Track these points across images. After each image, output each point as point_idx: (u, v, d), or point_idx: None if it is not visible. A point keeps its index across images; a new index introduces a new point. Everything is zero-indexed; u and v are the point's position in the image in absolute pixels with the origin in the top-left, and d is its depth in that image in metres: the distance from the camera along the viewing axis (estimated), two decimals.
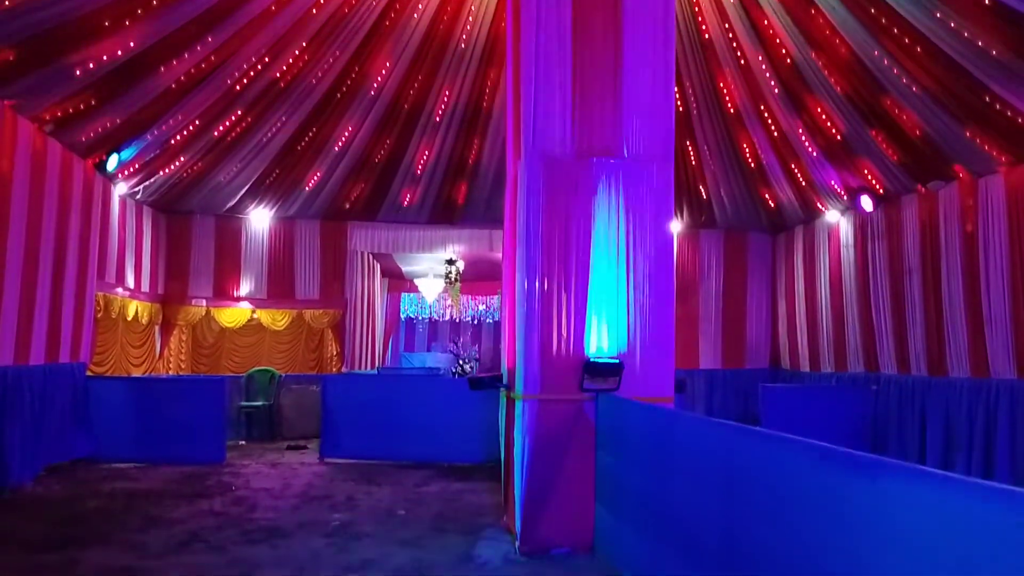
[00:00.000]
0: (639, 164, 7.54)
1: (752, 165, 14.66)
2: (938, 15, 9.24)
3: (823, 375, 15.08)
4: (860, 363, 14.02)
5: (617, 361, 7.10)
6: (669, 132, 7.73)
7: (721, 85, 13.15)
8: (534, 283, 7.30)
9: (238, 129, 13.05)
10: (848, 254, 14.47)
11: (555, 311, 7.30)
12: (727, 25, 11.92)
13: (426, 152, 14.96)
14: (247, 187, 15.12)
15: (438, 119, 14.17)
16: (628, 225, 7.47)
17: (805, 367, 15.80)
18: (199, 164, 13.78)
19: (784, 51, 11.72)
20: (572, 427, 7.09)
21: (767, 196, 15.58)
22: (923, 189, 12.34)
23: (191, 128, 12.38)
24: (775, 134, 13.52)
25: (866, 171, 13.02)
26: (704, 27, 12.11)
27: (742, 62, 12.42)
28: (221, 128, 12.80)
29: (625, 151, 7.57)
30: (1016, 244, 10.80)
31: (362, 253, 17.05)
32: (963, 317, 11.56)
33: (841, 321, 14.60)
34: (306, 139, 14.02)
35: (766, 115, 13.25)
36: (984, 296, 11.21)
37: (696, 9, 11.82)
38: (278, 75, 12.08)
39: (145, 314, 14.89)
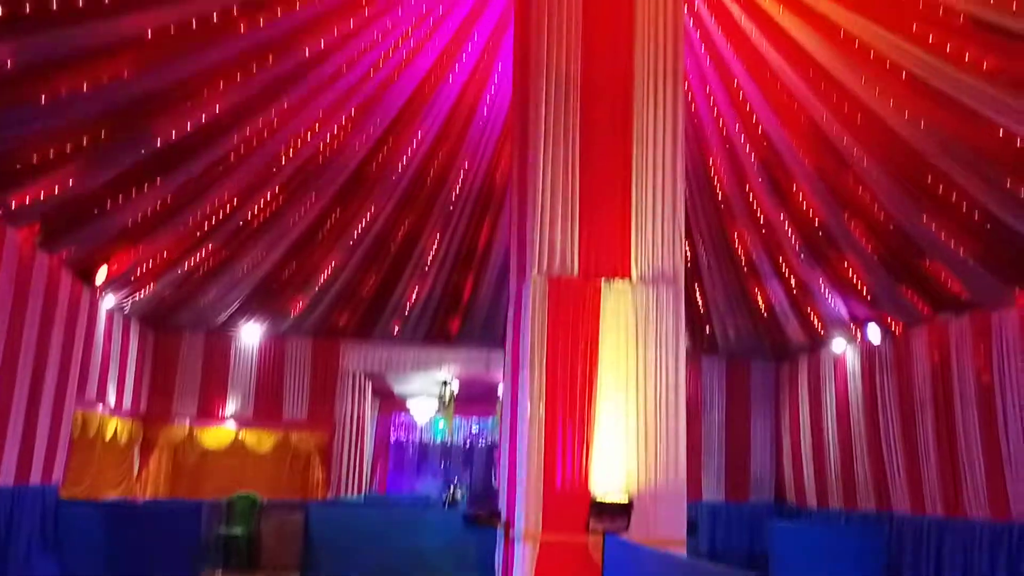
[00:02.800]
0: (649, 286, 7.22)
1: (762, 308, 14.38)
2: (992, 176, 9.13)
3: (831, 511, 14.42)
4: (871, 499, 13.41)
5: (626, 500, 6.59)
6: (679, 253, 7.46)
7: (735, 238, 12.95)
8: (537, 410, 6.86)
9: (215, 260, 12.85)
10: (855, 385, 14.04)
11: (559, 441, 6.85)
12: (747, 187, 11.80)
13: (416, 288, 14.68)
14: (238, 304, 14.79)
15: (429, 261, 13.90)
16: (637, 351, 7.09)
17: (812, 502, 15.14)
18: (185, 285, 13.50)
19: (811, 211, 11.56)
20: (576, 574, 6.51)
21: (773, 328, 15.26)
22: (933, 321, 12.06)
23: (169, 254, 12.16)
24: (792, 285, 13.22)
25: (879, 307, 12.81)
26: (717, 184, 11.98)
27: (761, 220, 12.23)
28: (196, 259, 12.57)
29: (634, 272, 7.26)
30: None
31: (354, 372, 16.57)
32: (980, 454, 11.06)
33: (850, 455, 14.04)
34: (287, 272, 13.74)
35: (783, 264, 12.98)
36: (1001, 432, 10.74)
37: (711, 161, 11.71)
38: (249, 217, 11.89)
39: (125, 433, 14.29)
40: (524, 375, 7.08)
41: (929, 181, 9.85)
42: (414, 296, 14.89)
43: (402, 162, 11.84)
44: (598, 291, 7.14)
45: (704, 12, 9.63)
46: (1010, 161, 8.85)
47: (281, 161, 11.01)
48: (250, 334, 15.85)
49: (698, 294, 14.46)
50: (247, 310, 15.05)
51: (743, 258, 13.28)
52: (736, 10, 9.41)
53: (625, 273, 7.25)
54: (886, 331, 13.04)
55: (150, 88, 8.77)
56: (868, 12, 8.50)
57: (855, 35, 8.82)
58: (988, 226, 9.75)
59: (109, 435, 13.58)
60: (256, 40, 8.83)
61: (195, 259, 12.57)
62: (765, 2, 9.07)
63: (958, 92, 8.51)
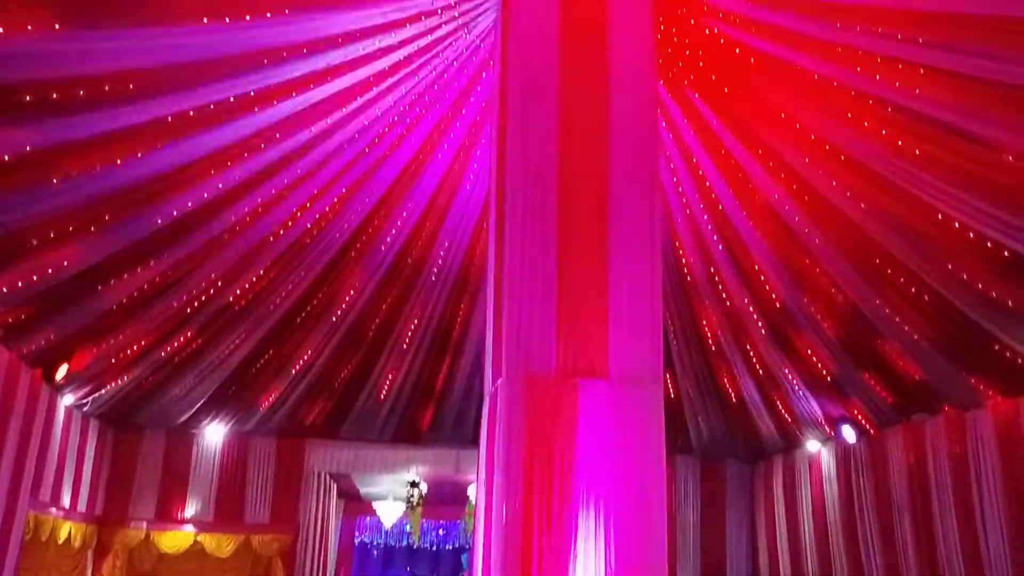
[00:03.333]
0: (627, 387, 7.06)
1: (733, 398, 14.30)
2: (950, 266, 9.33)
3: None
4: None
5: None
6: (658, 351, 7.34)
7: (703, 320, 12.97)
8: (512, 515, 6.59)
9: (190, 348, 12.50)
10: (831, 487, 13.86)
11: (535, 547, 6.56)
12: (712, 269, 11.91)
13: (390, 375, 14.43)
14: (202, 402, 14.40)
15: (405, 345, 13.74)
16: (616, 453, 6.88)
17: None
18: (150, 379, 13.15)
19: (773, 294, 11.66)
20: None
21: (746, 425, 15.12)
22: (907, 421, 12.02)
23: (139, 346, 11.86)
24: (758, 369, 13.22)
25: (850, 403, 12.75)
26: (685, 263, 12.07)
27: (728, 303, 12.30)
28: (170, 348, 12.24)
29: (612, 371, 7.11)
30: (1011, 482, 10.32)
31: (319, 473, 16.10)
32: (959, 559, 10.87)
33: (827, 559, 13.76)
34: (263, 360, 13.46)
35: (749, 350, 13.01)
36: (981, 536, 10.59)
37: (676, 244, 11.83)
38: (231, 299, 11.68)
39: (79, 537, 13.69)
40: (498, 478, 6.82)
41: (877, 263, 10.07)
42: (387, 386, 14.61)
43: (384, 243, 11.81)
44: (576, 390, 6.96)
45: (668, 102, 9.92)
46: (952, 246, 9.08)
47: (270, 239, 10.94)
48: (214, 433, 15.41)
49: (669, 383, 14.36)
50: (213, 406, 14.66)
51: (712, 343, 13.27)
52: (696, 98, 9.77)
53: (603, 372, 7.09)
54: (861, 431, 12.94)
55: (145, 173, 8.86)
56: (819, 105, 8.96)
57: (811, 128, 9.27)
58: (945, 314, 9.92)
59: (62, 538, 13.01)
60: (248, 129, 9.02)
61: (167, 349, 12.28)
62: (727, 93, 9.49)
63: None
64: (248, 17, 7.70)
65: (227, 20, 7.54)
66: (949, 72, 7.81)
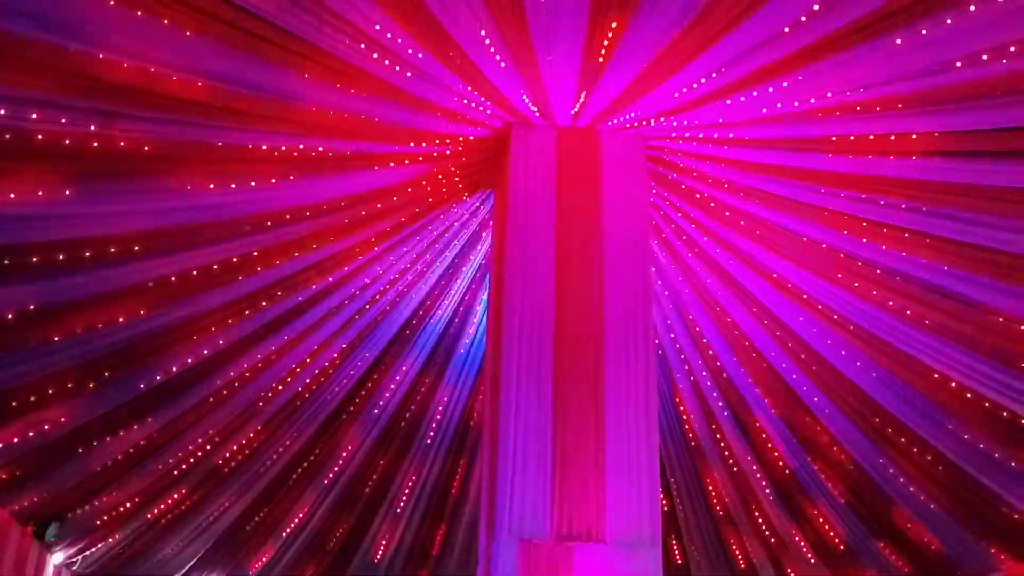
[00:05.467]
0: (625, 550, 6.92)
1: (743, 567, 13.88)
2: (949, 427, 9.32)
3: None
4: None
5: None
6: (656, 513, 7.23)
7: (708, 484, 12.78)
8: None
9: (182, 507, 12.23)
10: None
11: None
12: (713, 427, 11.87)
13: (384, 540, 14.05)
14: (192, 563, 13.98)
15: (400, 508, 13.47)
16: None
17: None
18: (141, 539, 12.82)
19: (781, 460, 11.56)
20: None
21: None
22: None
23: (131, 504, 11.61)
24: (768, 536, 12.89)
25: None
26: (688, 427, 12.04)
27: (734, 468, 12.15)
28: (163, 506, 11.99)
29: (610, 535, 6.99)
30: None
31: None
32: None
33: None
34: (255, 520, 13.16)
35: (758, 515, 12.70)
36: None
37: (681, 409, 11.83)
38: (220, 461, 11.47)
39: None
40: None
41: (890, 432, 10.01)
42: (382, 549, 14.19)
43: (381, 400, 11.77)
44: (571, 556, 6.82)
45: (663, 259, 10.14)
46: (962, 412, 9.06)
47: (261, 403, 10.90)
48: None
49: (675, 548, 13.95)
50: (204, 565, 14.23)
51: (719, 508, 12.96)
52: (691, 259, 10.00)
53: (600, 536, 6.97)
54: None
55: (145, 330, 8.93)
56: (810, 266, 9.17)
57: (803, 289, 9.44)
58: (950, 476, 9.80)
59: None
60: (252, 287, 9.19)
61: (159, 508, 12.02)
62: (720, 254, 9.69)
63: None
64: (253, 184, 8.02)
65: (233, 186, 7.81)
66: (934, 236, 8.07)
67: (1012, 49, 6.41)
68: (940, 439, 9.52)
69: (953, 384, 8.91)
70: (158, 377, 9.49)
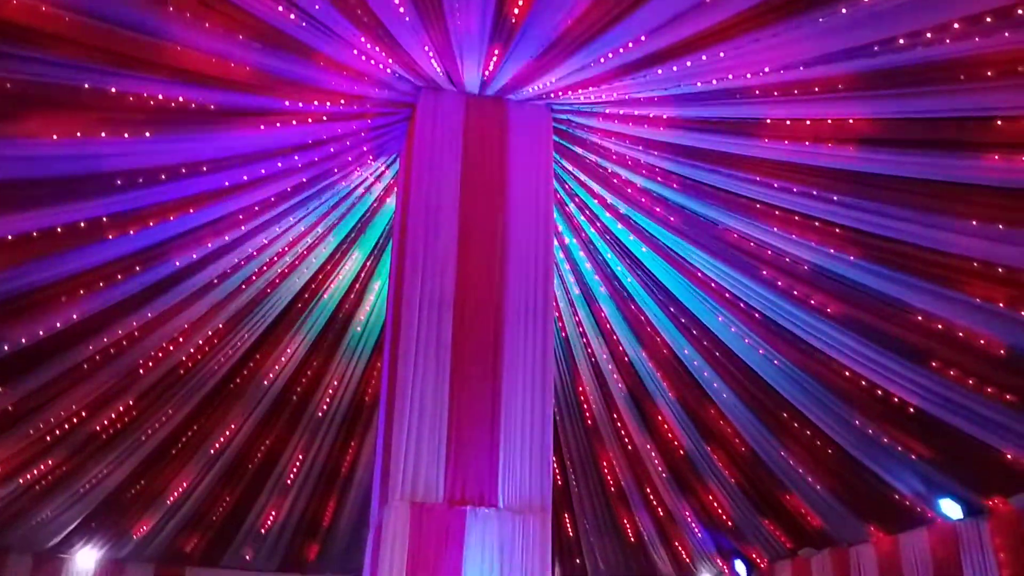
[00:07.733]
0: (515, 515, 7.00)
1: (632, 539, 14.22)
2: (841, 412, 9.57)
3: None
4: None
5: None
6: (547, 480, 7.33)
7: (604, 464, 12.91)
8: None
9: (57, 473, 11.77)
10: None
11: None
12: (615, 415, 12.02)
13: (273, 512, 13.85)
14: (74, 525, 13.51)
15: (290, 481, 13.28)
16: None
17: None
18: (15, 504, 12.30)
19: (676, 442, 11.75)
20: None
21: (641, 558, 14.97)
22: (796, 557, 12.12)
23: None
24: (660, 513, 13.15)
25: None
26: (587, 410, 12.16)
27: (629, 448, 12.30)
28: (35, 472, 11.50)
29: (501, 500, 7.06)
30: None
31: None
32: None
33: None
34: (135, 488, 12.79)
35: (651, 496, 12.95)
36: None
37: (579, 390, 11.94)
38: (98, 428, 11.03)
39: None
40: None
41: (784, 416, 10.20)
42: (270, 520, 13.96)
43: (269, 376, 11.49)
44: (462, 518, 6.86)
45: (571, 243, 10.12)
46: (858, 401, 9.29)
47: (140, 371, 10.50)
48: (85, 559, 14.38)
49: (567, 522, 14.19)
50: (85, 530, 13.75)
51: (612, 486, 13.22)
52: (602, 246, 10.00)
53: (492, 501, 7.03)
54: (751, 566, 12.99)
55: (7, 289, 8.26)
56: (717, 252, 9.18)
57: (710, 277, 9.48)
58: (838, 459, 10.04)
59: None
60: (124, 249, 8.65)
61: (33, 473, 11.53)
62: (626, 239, 9.72)
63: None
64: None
65: (103, 135, 7.26)
66: (844, 226, 7.98)
67: (928, 35, 6.21)
68: (830, 424, 9.75)
69: (848, 372, 9.08)
70: (23, 340, 8.92)
